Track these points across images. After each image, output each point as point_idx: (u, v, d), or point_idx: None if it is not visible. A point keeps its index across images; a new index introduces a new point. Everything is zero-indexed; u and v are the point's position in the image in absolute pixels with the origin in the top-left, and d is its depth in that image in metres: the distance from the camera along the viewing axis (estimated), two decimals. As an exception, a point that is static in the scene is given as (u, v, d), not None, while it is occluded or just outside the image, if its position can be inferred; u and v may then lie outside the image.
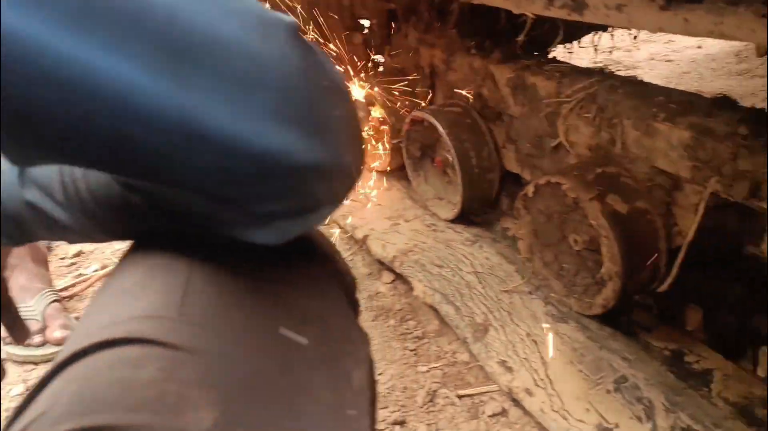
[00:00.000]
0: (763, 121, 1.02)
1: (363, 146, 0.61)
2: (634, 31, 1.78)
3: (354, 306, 0.70)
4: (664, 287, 1.13)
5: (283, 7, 1.72)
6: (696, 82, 2.67)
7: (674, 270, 1.10)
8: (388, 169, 1.98)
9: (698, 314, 1.21)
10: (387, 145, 1.90)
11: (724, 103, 1.10)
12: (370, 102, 1.83)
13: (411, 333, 1.56)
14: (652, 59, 3.21)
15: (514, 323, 1.33)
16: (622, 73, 2.60)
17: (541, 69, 1.41)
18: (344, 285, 0.70)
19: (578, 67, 1.41)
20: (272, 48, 0.47)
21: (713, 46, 3.29)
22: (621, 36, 3.60)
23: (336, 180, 0.55)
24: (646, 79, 1.31)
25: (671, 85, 2.71)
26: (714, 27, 0.59)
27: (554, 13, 0.81)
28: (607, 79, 1.27)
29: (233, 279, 0.54)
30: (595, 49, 1.76)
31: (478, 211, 1.74)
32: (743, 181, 0.98)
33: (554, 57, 1.52)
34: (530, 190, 1.31)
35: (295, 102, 0.48)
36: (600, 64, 2.52)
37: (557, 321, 1.32)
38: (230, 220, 0.52)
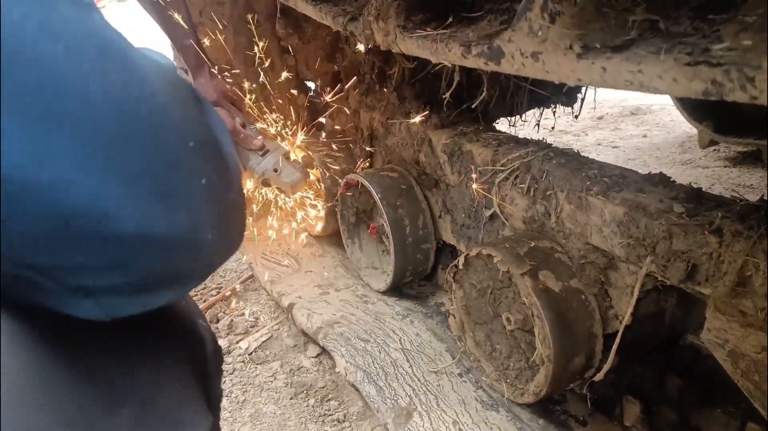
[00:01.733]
0: (698, 200, 0.96)
1: (239, 222, 0.51)
2: (576, 109, 1.77)
3: (209, 378, 0.58)
4: (599, 376, 1.03)
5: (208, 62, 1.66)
6: (640, 169, 2.68)
7: (611, 358, 1.00)
8: (321, 233, 1.87)
9: (636, 408, 1.10)
10: (321, 209, 1.80)
11: (658, 180, 1.04)
12: (308, 164, 1.75)
13: (331, 415, 1.40)
14: (599, 144, 3.26)
15: (440, 408, 1.20)
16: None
17: (479, 136, 1.36)
18: (200, 355, 0.58)
19: (517, 137, 1.36)
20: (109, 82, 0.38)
21: (658, 135, 3.37)
22: (567, 119, 3.69)
23: (186, 258, 0.45)
24: (590, 139, 1.27)
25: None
26: (632, 77, 0.52)
27: (472, 62, 0.75)
28: (543, 149, 1.21)
29: (43, 351, 0.42)
30: (537, 125, 1.74)
31: (413, 284, 1.64)
32: (679, 263, 0.91)
33: (493, 126, 1.47)
34: (461, 261, 1.22)
35: (133, 155, 0.39)
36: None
37: (487, 409, 1.19)
38: (44, 290, 0.41)
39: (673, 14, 0.60)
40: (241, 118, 1.64)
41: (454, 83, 0.97)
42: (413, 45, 0.84)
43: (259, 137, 1.63)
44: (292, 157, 1.73)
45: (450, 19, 0.81)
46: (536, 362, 1.11)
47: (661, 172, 1.06)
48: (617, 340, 1.00)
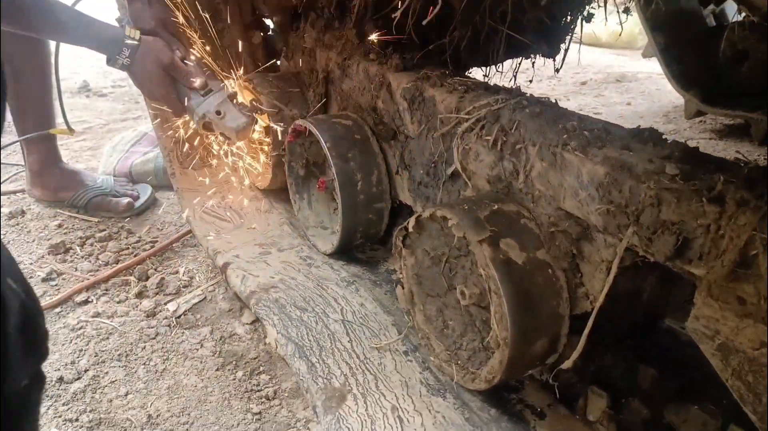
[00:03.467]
0: (696, 162, 0.79)
1: None
2: (557, 62, 1.59)
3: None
4: (567, 364, 0.87)
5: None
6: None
7: (580, 344, 0.85)
8: (268, 186, 1.68)
9: (603, 401, 0.95)
10: (268, 159, 1.60)
11: (648, 136, 0.87)
12: (256, 108, 1.54)
13: (260, 390, 1.24)
14: (581, 110, 3.09)
15: (379, 391, 1.04)
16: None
17: (444, 81, 1.17)
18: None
19: (488, 83, 1.17)
20: None
21: (642, 104, 3.22)
22: (548, 82, 3.50)
23: None
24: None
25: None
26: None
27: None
28: (516, 97, 1.03)
29: None
30: (514, 77, 1.55)
31: (364, 247, 1.47)
32: (667, 236, 0.74)
33: (461, 72, 1.28)
34: (411, 223, 1.04)
35: None
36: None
37: (432, 393, 1.04)
38: None
39: None
40: (181, 51, 1.42)
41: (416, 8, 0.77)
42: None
43: (202, 74, 1.42)
44: (240, 99, 1.52)
45: None
46: (491, 344, 0.95)
47: (651, 128, 0.89)
48: (589, 324, 0.84)
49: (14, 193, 2.06)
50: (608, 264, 0.86)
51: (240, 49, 1.77)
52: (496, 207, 0.96)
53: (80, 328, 1.40)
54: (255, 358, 1.33)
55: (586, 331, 0.84)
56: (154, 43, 1.37)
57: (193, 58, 1.44)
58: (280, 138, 1.53)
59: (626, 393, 1.00)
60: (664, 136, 0.87)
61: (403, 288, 1.14)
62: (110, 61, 1.36)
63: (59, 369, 1.28)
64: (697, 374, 0.95)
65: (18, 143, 1.91)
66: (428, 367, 1.09)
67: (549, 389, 1.02)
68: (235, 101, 1.45)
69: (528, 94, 1.06)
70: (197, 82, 1.40)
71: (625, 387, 1.01)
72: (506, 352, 0.90)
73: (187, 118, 1.49)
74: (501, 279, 0.88)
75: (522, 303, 0.88)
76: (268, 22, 1.93)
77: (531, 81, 1.76)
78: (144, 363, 1.31)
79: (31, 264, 1.66)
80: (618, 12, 1.45)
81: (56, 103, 1.84)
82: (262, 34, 1.90)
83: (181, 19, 1.46)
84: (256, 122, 1.56)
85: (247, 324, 1.43)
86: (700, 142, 2.56)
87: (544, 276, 0.91)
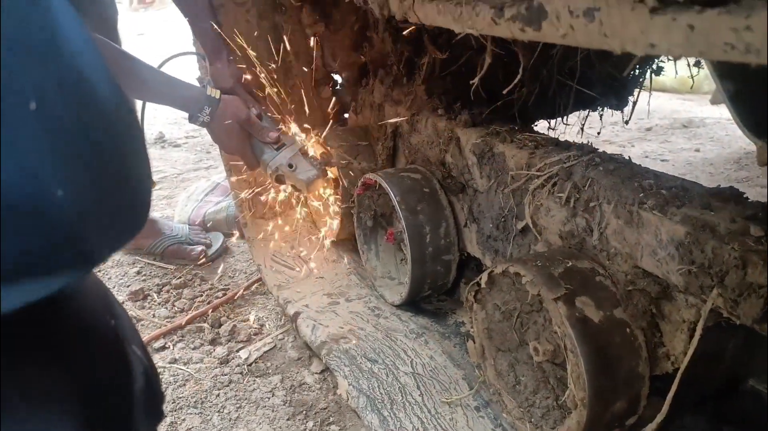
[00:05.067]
0: (781, 222, 0.78)
1: (124, 181, 0.36)
2: (626, 113, 1.58)
3: (129, 419, 0.43)
4: (651, 428, 0.85)
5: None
6: (692, 183, 2.46)
7: (665, 408, 0.82)
8: (337, 237, 1.72)
9: (686, 467, 0.92)
10: (337, 210, 1.65)
11: (729, 194, 0.86)
12: (327, 161, 1.61)
13: (330, 441, 1.25)
14: (647, 157, 3.04)
15: (450, 447, 1.04)
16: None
17: (513, 137, 1.19)
18: (119, 385, 0.43)
19: (558, 139, 1.19)
20: None
21: (711, 150, 3.13)
22: (612, 128, 3.46)
23: (25, 227, 0.30)
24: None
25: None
26: (737, 38, 0.35)
27: (503, 29, 0.58)
28: (587, 154, 1.04)
29: None
30: (581, 129, 1.56)
31: (431, 298, 1.48)
32: (754, 299, 0.72)
33: (531, 126, 1.30)
34: (484, 279, 1.05)
35: None
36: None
37: (505, 452, 1.02)
38: None
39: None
40: (257, 108, 1.51)
41: (485, 65, 0.80)
42: (432, 11, 0.69)
43: (276, 129, 1.49)
44: (311, 152, 1.59)
45: (480, -21, 0.65)
46: (568, 404, 0.93)
47: (732, 186, 0.88)
48: (674, 388, 0.82)
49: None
50: (690, 324, 0.85)
51: (309, 104, 1.85)
52: (570, 263, 0.96)
53: (159, 374, 1.46)
54: (324, 408, 1.35)
55: (670, 395, 0.82)
56: (232, 101, 1.45)
57: (268, 114, 1.52)
58: (349, 190, 1.58)
59: (711, 459, 0.96)
60: (745, 195, 0.85)
61: (473, 342, 1.14)
62: (192, 119, 1.45)
63: (139, 414, 1.33)
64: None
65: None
66: (501, 424, 1.08)
67: (628, 452, 0.99)
68: (306, 155, 1.52)
69: (600, 151, 1.06)
70: (271, 137, 1.48)
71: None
72: (584, 413, 0.88)
73: (261, 170, 1.57)
74: (577, 338, 0.87)
75: (599, 363, 0.87)
76: (337, 77, 2.02)
77: (599, 133, 1.76)
78: (218, 411, 1.35)
79: (112, 309, 1.75)
80: (689, 65, 1.45)
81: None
82: (330, 88, 1.98)
83: (256, 78, 1.55)
84: (327, 175, 1.61)
85: (316, 373, 1.45)
86: (777, 190, 2.47)
87: (622, 335, 0.90)
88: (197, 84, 1.58)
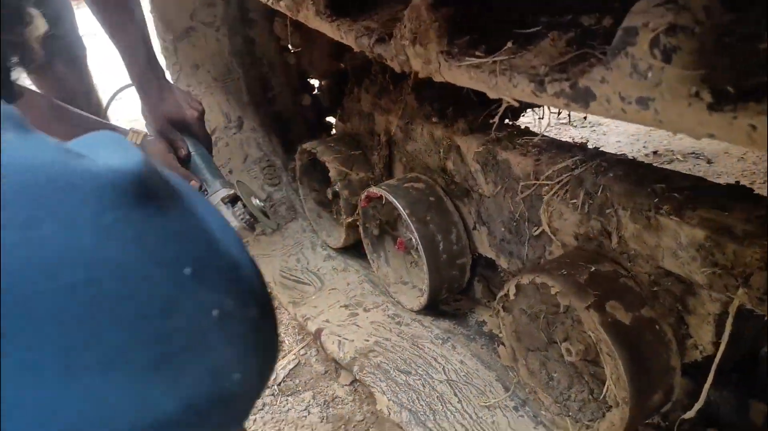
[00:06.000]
0: (793, 218, 0.83)
1: (272, 338, 0.39)
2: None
3: None
4: (691, 414, 0.92)
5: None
6: (665, 140, 2.53)
7: (703, 395, 0.89)
8: (342, 246, 1.75)
9: (723, 444, 1.00)
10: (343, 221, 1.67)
11: (739, 193, 0.91)
12: (254, 218, 1.48)
13: (375, 453, 1.31)
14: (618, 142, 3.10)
15: (498, 450, 1.10)
16: (587, 131, 2.42)
17: (514, 142, 1.22)
18: None
19: (556, 140, 1.22)
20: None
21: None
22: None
23: (216, 421, 0.34)
24: (613, 137, 1.13)
25: (640, 143, 2.59)
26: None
27: (547, 101, 0.61)
28: (593, 158, 1.08)
29: None
30: (568, 116, 1.59)
31: (448, 299, 1.53)
32: (779, 295, 0.79)
33: (527, 128, 1.34)
34: (511, 290, 1.10)
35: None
36: (567, 123, 2.38)
37: (550, 448, 1.09)
38: None
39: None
40: (185, 149, 1.35)
41: (501, 108, 0.83)
42: (463, 76, 0.70)
43: (196, 178, 1.31)
44: (242, 201, 1.31)
45: (508, 44, 0.67)
46: (609, 401, 1.00)
47: (739, 183, 0.93)
48: (710, 377, 0.88)
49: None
50: (715, 317, 0.91)
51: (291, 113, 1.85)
52: (593, 268, 1.01)
53: None
54: (362, 421, 1.39)
55: (706, 386, 0.89)
56: (154, 147, 1.30)
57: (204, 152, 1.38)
58: (350, 201, 1.60)
59: (738, 429, 1.04)
60: (754, 192, 0.91)
61: (504, 346, 1.19)
62: None
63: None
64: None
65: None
66: (541, 422, 1.14)
67: (662, 431, 1.07)
68: (235, 202, 1.31)
69: (605, 153, 1.10)
70: (192, 185, 1.32)
71: (736, 423, 1.05)
72: (626, 410, 0.95)
73: None
74: (614, 343, 0.93)
75: (636, 363, 0.93)
76: (314, 82, 2.01)
77: (585, 117, 1.80)
78: (259, 438, 1.39)
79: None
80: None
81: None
82: (310, 96, 1.98)
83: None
84: (254, 230, 1.38)
85: (346, 385, 1.50)
86: None
87: (653, 333, 0.96)
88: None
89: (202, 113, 1.37)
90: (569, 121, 2.22)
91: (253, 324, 0.37)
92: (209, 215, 0.38)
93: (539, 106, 1.56)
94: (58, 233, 0.29)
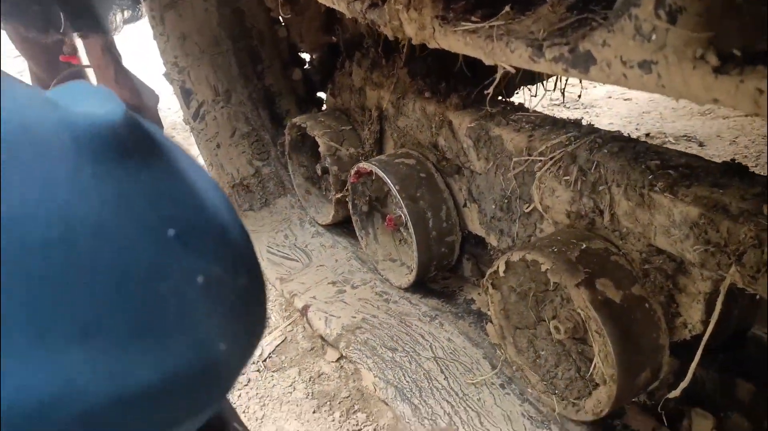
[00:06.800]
0: (788, 196, 0.82)
1: (259, 306, 0.37)
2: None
3: None
4: (676, 393, 0.91)
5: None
6: (658, 122, 2.54)
7: (689, 374, 0.89)
8: (330, 222, 1.73)
9: (708, 422, 1.00)
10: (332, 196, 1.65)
11: (734, 171, 0.90)
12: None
13: (360, 430, 1.30)
14: (610, 97, 3.08)
15: (484, 427, 1.10)
16: (579, 112, 2.41)
17: (508, 118, 1.20)
18: None
19: (551, 116, 1.21)
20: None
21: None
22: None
23: (195, 394, 0.32)
24: (605, 119, 1.11)
25: (632, 126, 2.58)
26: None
27: (544, 67, 0.59)
28: (587, 135, 1.06)
29: None
30: (562, 93, 1.57)
31: (436, 277, 1.51)
32: (772, 274, 0.78)
33: (520, 103, 1.32)
34: (501, 267, 1.09)
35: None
36: (560, 104, 2.36)
37: (537, 426, 1.09)
38: None
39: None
40: None
41: (497, 78, 0.80)
42: (458, 42, 0.68)
43: None
44: None
45: (506, 9, 0.65)
46: (596, 379, 0.99)
47: (735, 161, 0.92)
48: (697, 357, 0.88)
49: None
50: (705, 296, 0.90)
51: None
52: (584, 246, 1.00)
53: None
54: (347, 397, 1.39)
55: (693, 364, 0.88)
56: None
57: None
58: (339, 178, 1.58)
59: (724, 407, 1.04)
60: (750, 170, 0.90)
61: (492, 324, 1.18)
62: None
63: None
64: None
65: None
66: (527, 399, 1.14)
67: (649, 411, 1.07)
68: None
69: (600, 131, 1.09)
70: None
71: (723, 401, 1.05)
72: (614, 387, 0.94)
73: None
74: (603, 320, 0.92)
75: (625, 341, 0.93)
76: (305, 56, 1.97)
77: (579, 96, 1.78)
78: (244, 411, 1.38)
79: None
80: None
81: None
82: (301, 70, 1.94)
83: None
84: None
85: (332, 362, 1.49)
86: (737, 119, 2.56)
87: (642, 311, 0.95)
88: None
89: (156, 102, 1.38)
90: (563, 102, 2.20)
91: (240, 292, 0.35)
92: (196, 174, 0.35)
93: (533, 83, 1.54)
94: (30, 188, 0.27)
